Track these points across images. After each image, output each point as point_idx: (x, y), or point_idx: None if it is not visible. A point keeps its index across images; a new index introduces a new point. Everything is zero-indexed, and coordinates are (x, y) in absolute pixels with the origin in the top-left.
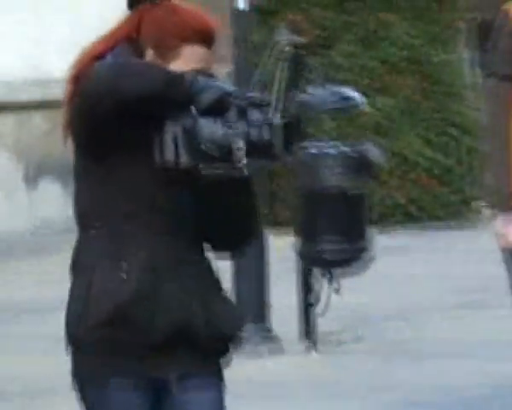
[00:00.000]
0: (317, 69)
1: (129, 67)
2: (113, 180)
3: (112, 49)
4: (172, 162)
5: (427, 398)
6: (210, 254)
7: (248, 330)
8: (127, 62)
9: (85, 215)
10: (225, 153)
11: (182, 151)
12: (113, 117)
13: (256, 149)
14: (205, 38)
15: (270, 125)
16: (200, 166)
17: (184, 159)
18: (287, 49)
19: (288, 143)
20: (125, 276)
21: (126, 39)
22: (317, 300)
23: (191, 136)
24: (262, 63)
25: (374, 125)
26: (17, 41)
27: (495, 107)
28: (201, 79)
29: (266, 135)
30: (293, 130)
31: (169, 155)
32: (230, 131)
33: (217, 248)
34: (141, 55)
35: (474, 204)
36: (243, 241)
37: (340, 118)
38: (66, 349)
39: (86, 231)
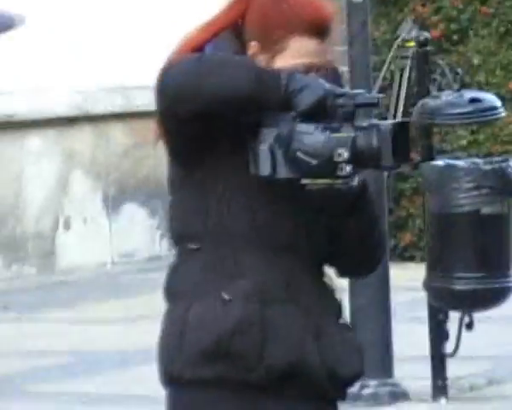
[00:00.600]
0: (448, 69)
1: (214, 63)
2: (208, 192)
3: (213, 38)
4: (268, 175)
5: None
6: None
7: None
8: (212, 58)
9: (180, 233)
10: (328, 163)
11: (279, 163)
12: (198, 120)
13: (362, 157)
14: (317, 28)
15: (379, 129)
16: (301, 179)
17: (282, 171)
18: (411, 45)
19: (402, 151)
20: (227, 303)
21: (231, 28)
22: (446, 337)
23: (288, 144)
24: (386, 63)
25: None
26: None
27: None
28: (300, 77)
29: (374, 141)
30: (408, 136)
31: (264, 167)
32: (334, 137)
33: (338, 272)
34: (245, 46)
35: None
36: (363, 268)
37: (474, 129)
38: (164, 388)
39: (182, 251)
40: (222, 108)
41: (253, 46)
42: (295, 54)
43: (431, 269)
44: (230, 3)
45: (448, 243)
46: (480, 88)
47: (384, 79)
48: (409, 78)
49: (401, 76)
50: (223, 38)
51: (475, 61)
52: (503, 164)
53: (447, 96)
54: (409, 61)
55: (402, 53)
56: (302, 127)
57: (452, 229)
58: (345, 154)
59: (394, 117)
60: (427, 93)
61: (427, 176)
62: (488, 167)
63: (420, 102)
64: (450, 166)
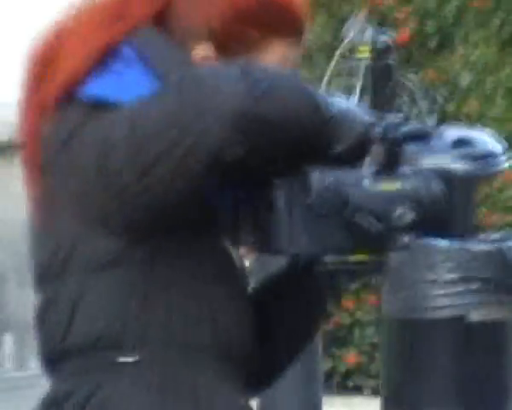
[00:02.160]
0: (421, 92)
1: (263, 80)
2: (155, 278)
3: (128, 35)
4: (285, 251)
5: None
6: None
7: None
8: (262, 69)
9: (99, 337)
10: (388, 228)
11: (301, 231)
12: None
13: (429, 218)
14: (298, 29)
15: (447, 171)
16: (327, 254)
17: (304, 244)
18: (364, 54)
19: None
20: None
21: (150, 19)
22: None
23: (335, 204)
24: (325, 80)
25: None
26: None
27: None
28: (336, 100)
29: (440, 189)
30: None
31: (280, 239)
32: (387, 190)
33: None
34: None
35: None
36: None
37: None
38: None
39: (101, 365)
40: (287, 153)
41: (203, 49)
42: (270, 63)
43: (389, 407)
44: None
45: (417, 367)
46: (471, 123)
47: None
48: (359, 102)
49: (347, 100)
50: (145, 34)
51: (464, 80)
52: (504, 244)
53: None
54: (360, 78)
55: (349, 65)
56: (347, 177)
57: (424, 344)
58: (408, 215)
59: None
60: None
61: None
62: (482, 248)
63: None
64: (422, 247)
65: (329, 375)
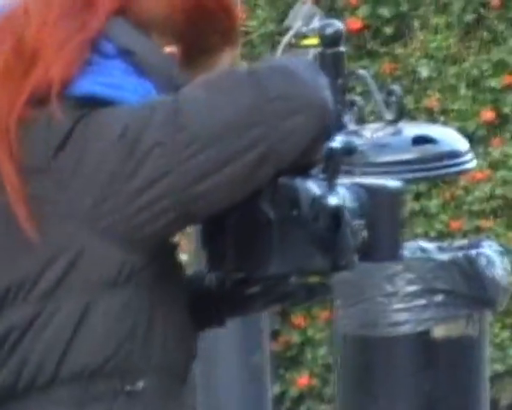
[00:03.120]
0: (377, 86)
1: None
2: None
3: (100, 28)
4: (262, 272)
5: None
6: None
7: None
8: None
9: (115, 366)
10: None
11: (279, 251)
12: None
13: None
14: (238, 36)
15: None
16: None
17: (284, 266)
18: (312, 44)
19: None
20: None
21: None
22: None
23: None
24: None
25: None
26: None
27: None
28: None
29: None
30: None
31: (270, 259)
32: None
33: None
34: None
35: None
36: None
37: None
38: None
39: (116, 395)
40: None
41: (170, 52)
42: (220, 70)
43: None
44: None
45: (375, 389)
46: (433, 119)
47: None
48: None
49: None
50: (121, 27)
51: (424, 71)
52: (472, 252)
53: (374, 131)
54: None
55: (295, 54)
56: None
57: (383, 364)
58: (364, 232)
59: None
60: (339, 126)
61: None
62: (446, 257)
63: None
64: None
65: (279, 400)
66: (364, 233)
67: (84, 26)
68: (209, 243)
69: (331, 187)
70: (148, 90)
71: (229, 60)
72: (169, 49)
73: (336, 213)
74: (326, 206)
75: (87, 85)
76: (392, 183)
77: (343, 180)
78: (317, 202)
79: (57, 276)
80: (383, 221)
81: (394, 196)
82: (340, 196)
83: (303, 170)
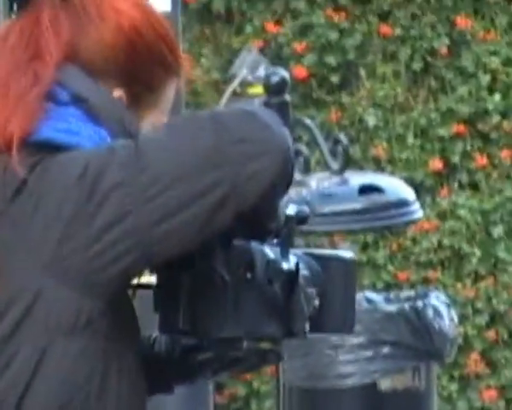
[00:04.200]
0: (323, 135)
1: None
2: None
3: (52, 76)
4: (214, 334)
5: None
6: None
7: None
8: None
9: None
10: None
11: (233, 315)
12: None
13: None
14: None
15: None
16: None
17: (237, 329)
18: (258, 93)
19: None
20: None
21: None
22: None
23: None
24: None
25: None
26: None
27: None
28: None
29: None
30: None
31: (212, 321)
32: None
33: None
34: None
35: None
36: None
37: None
38: None
39: None
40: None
41: (118, 96)
42: (166, 106)
43: None
44: (13, 27)
45: None
46: (380, 168)
47: None
48: None
49: None
50: (72, 74)
51: (371, 120)
52: (419, 303)
53: (320, 181)
54: None
55: (241, 103)
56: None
57: None
58: (316, 301)
59: None
60: None
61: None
62: (393, 309)
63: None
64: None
65: None
66: (316, 302)
67: (37, 78)
68: (162, 305)
69: (285, 253)
70: (103, 137)
71: (173, 88)
72: (116, 93)
73: (290, 278)
74: (281, 270)
75: (45, 132)
76: (345, 253)
77: (295, 250)
78: (272, 265)
79: (16, 319)
80: (335, 292)
81: (347, 267)
82: (294, 262)
83: (259, 236)
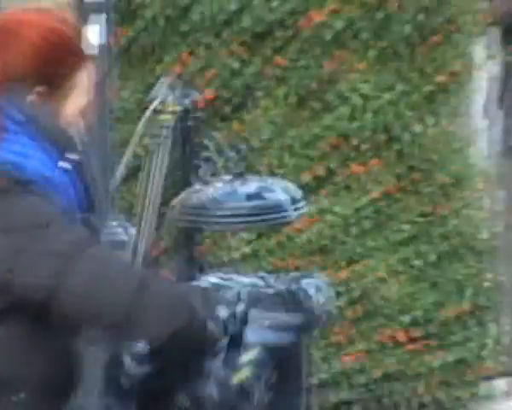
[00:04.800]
0: (219, 148)
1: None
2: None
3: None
4: None
5: None
6: None
7: None
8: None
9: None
10: None
11: None
12: None
13: None
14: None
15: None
16: None
17: None
18: (168, 116)
19: None
20: None
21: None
22: None
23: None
24: (134, 139)
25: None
26: None
27: None
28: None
29: None
30: None
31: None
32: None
33: None
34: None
35: None
36: None
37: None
38: None
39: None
40: None
41: (40, 93)
42: (84, 86)
43: None
44: None
45: None
46: (272, 173)
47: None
48: (163, 164)
49: (153, 163)
50: (16, 92)
51: (265, 132)
52: (294, 285)
53: (222, 183)
54: (165, 138)
55: (155, 127)
56: None
57: None
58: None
59: (140, 218)
60: (189, 183)
61: None
62: (272, 290)
63: (180, 197)
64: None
65: None
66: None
67: None
68: None
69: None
70: (50, 155)
71: (88, 76)
72: (41, 96)
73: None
74: None
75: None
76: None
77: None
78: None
79: None
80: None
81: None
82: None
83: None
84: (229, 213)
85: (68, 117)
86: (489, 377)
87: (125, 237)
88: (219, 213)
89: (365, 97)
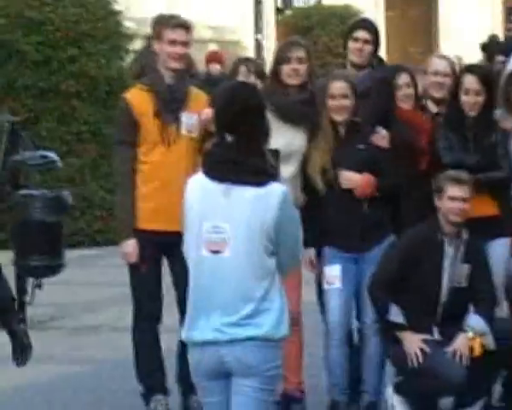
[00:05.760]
0: (28, 139)
1: None
2: None
3: None
4: None
5: None
6: None
7: None
8: None
9: None
10: None
11: None
12: None
13: None
14: None
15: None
16: None
17: None
18: (6, 125)
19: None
20: None
21: None
22: (26, 292)
23: None
24: None
25: (68, 177)
26: None
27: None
28: None
29: None
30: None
31: None
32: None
33: None
34: None
35: None
36: None
37: (44, 172)
38: None
39: None
40: None
41: None
42: None
43: (16, 253)
44: None
45: (27, 240)
46: (46, 150)
47: None
48: (4, 147)
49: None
50: None
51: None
52: (59, 193)
53: (26, 153)
54: (4, 136)
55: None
56: None
57: (29, 231)
58: None
59: None
60: (16, 153)
61: (16, 200)
62: (52, 196)
63: (11, 158)
64: (29, 195)
65: None
66: None
67: None
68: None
69: None
70: None
71: None
72: None
73: None
74: None
75: None
76: None
77: None
78: None
79: None
80: None
81: None
82: None
83: None
84: (34, 162)
85: None
86: None
87: None
88: (30, 162)
89: None
